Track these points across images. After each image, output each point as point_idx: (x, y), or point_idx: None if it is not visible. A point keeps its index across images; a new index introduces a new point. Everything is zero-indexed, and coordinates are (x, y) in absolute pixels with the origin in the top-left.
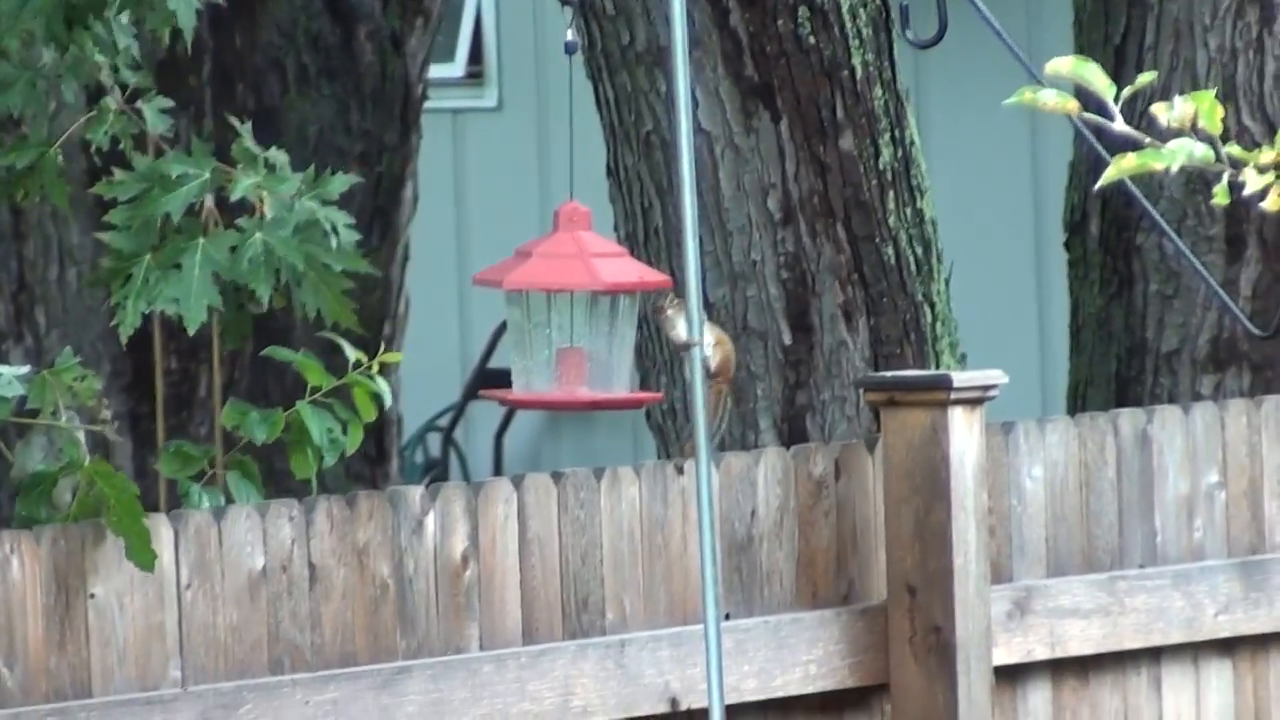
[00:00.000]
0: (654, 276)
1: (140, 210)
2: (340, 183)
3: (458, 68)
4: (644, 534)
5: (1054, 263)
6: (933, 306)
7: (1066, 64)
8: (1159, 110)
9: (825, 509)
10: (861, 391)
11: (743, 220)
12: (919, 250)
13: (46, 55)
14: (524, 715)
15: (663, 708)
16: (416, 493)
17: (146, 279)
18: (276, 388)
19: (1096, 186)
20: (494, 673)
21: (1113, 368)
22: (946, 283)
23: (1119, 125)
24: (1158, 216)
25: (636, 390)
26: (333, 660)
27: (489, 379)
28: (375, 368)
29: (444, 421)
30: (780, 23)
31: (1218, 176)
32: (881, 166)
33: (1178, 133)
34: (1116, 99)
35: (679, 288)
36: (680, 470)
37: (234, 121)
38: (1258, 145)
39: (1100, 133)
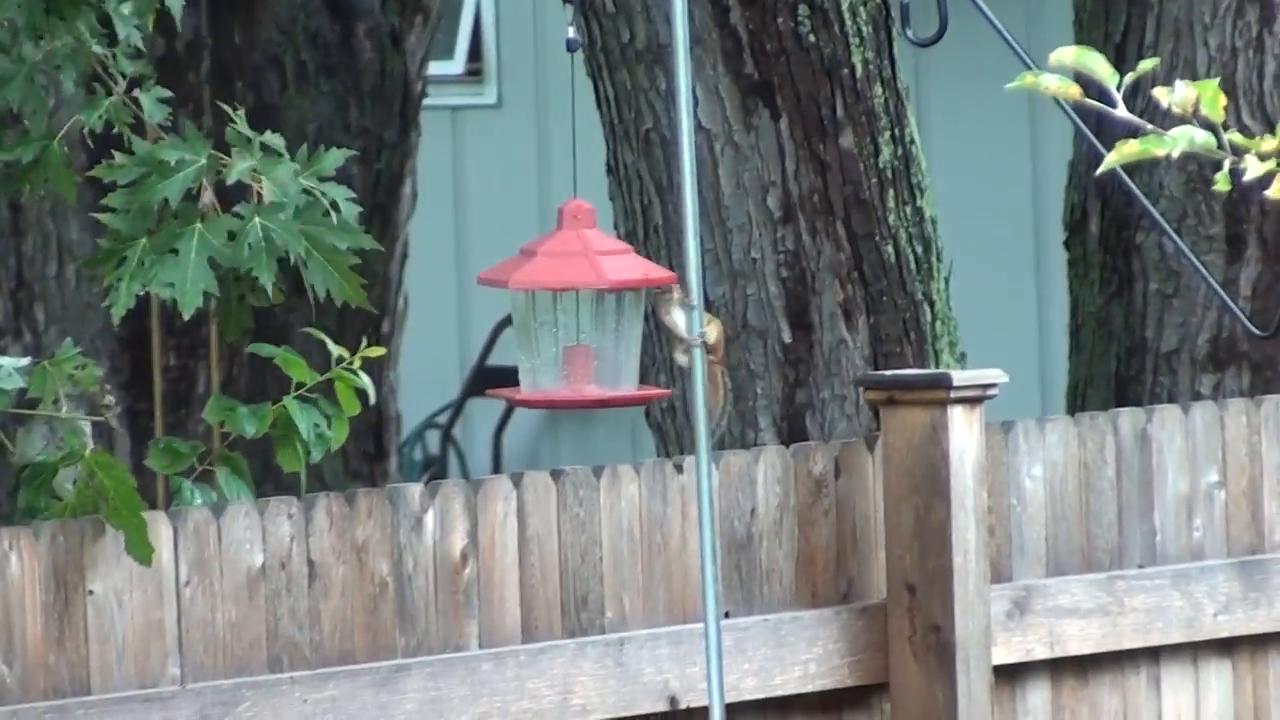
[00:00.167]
0: (659, 273)
1: (138, 195)
2: (334, 158)
3: (457, 65)
4: (643, 532)
5: (1054, 262)
6: (932, 305)
7: (1070, 53)
8: (1161, 94)
9: (825, 507)
10: (861, 390)
11: (742, 218)
12: (919, 249)
13: (41, 47)
14: (523, 713)
15: (662, 706)
16: (416, 490)
17: (142, 261)
18: (275, 385)
19: (1098, 171)
20: (493, 671)
21: (1112, 367)
22: (946, 281)
23: (1121, 112)
24: (1158, 215)
25: (643, 386)
26: (331, 658)
27: (488, 376)
28: (357, 362)
29: (443, 419)
30: (780, 20)
31: (1218, 173)
32: (881, 165)
33: (1179, 122)
34: (1119, 86)
35: (681, 285)
36: (680, 468)
37: (226, 109)
38: None
39: (1100, 123)
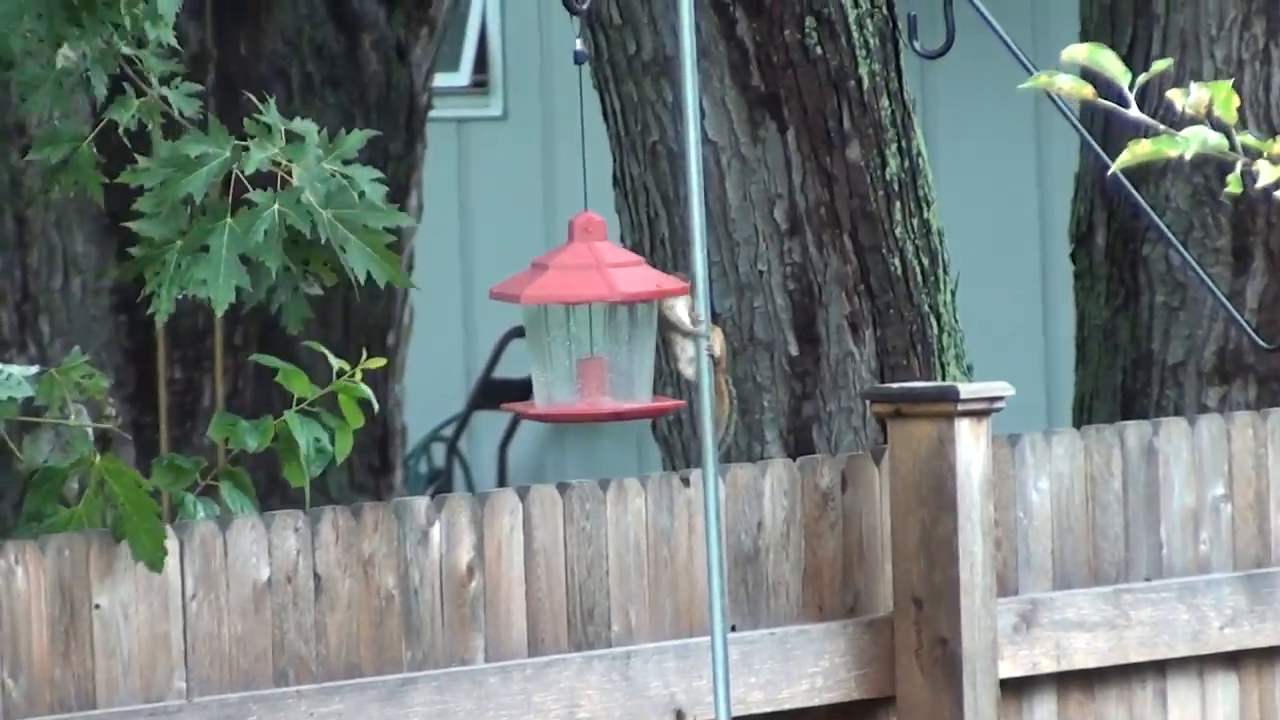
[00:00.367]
0: (671, 284)
1: (167, 194)
2: (356, 139)
3: (463, 77)
4: (650, 545)
5: (1060, 274)
6: (939, 318)
7: (1083, 50)
8: (1176, 96)
9: (831, 520)
10: (868, 403)
11: (749, 231)
12: (925, 261)
13: (72, 50)
14: None
15: (668, 719)
16: (422, 504)
17: (178, 264)
18: (281, 397)
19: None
20: (499, 684)
21: (1119, 380)
22: (953, 294)
23: (1133, 111)
24: (1164, 228)
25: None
26: (338, 671)
27: (493, 389)
28: (359, 374)
29: (448, 432)
30: (787, 33)
31: (1225, 185)
32: (888, 177)
33: (1193, 119)
34: (1131, 86)
35: (692, 295)
36: (686, 481)
37: (254, 99)
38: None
39: (1106, 133)
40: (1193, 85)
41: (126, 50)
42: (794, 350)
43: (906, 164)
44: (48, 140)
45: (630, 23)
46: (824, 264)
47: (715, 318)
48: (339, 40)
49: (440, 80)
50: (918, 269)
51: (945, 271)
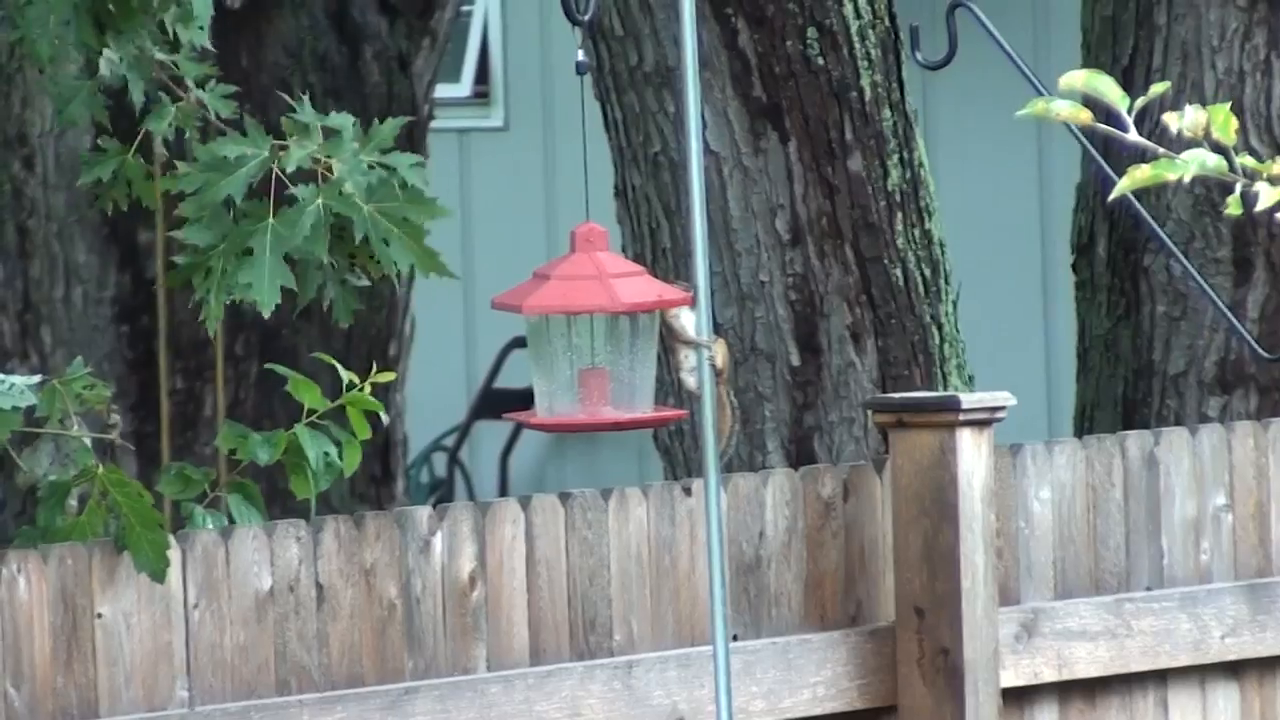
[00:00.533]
0: (673, 294)
1: (206, 198)
2: (391, 128)
3: (464, 88)
4: (652, 555)
5: (1061, 284)
6: (940, 328)
7: (1080, 77)
8: (1171, 119)
9: (833, 530)
10: (870, 413)
11: (751, 241)
12: (927, 272)
13: (112, 55)
14: None
15: None
16: (424, 513)
17: (224, 269)
18: (282, 407)
19: (1110, 197)
20: (501, 693)
21: (1120, 390)
22: (954, 304)
23: (1132, 136)
24: (1165, 238)
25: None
26: (340, 681)
27: (495, 399)
28: (368, 388)
29: (449, 441)
30: (789, 44)
31: (1226, 196)
32: (890, 188)
33: (1191, 141)
34: (1130, 110)
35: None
36: (688, 491)
37: (287, 98)
38: None
39: (1109, 145)
40: (1188, 108)
41: (161, 56)
42: (796, 360)
43: (908, 175)
44: (96, 162)
45: (632, 33)
46: (826, 274)
47: (717, 328)
48: (341, 51)
49: (442, 91)
50: (919, 279)
51: (947, 282)
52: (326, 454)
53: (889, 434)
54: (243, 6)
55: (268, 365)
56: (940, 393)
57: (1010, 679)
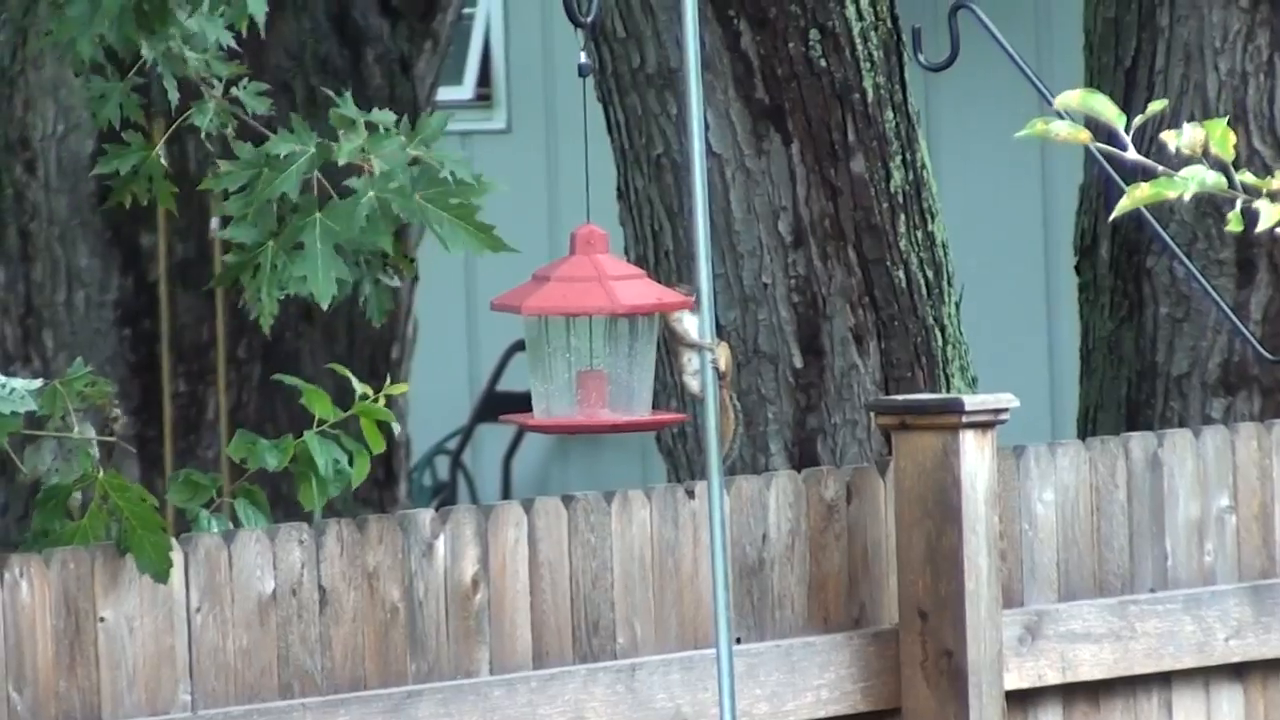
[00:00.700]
0: (672, 298)
1: (255, 196)
2: (439, 121)
3: (466, 90)
4: (655, 557)
5: (1064, 286)
6: (943, 330)
7: (1075, 96)
8: (1168, 138)
9: (837, 532)
10: (873, 415)
11: (753, 243)
12: (930, 273)
13: (147, 51)
14: None
15: None
16: (427, 516)
17: (274, 265)
18: (284, 411)
19: (1111, 217)
20: (504, 697)
21: (1123, 391)
22: (957, 306)
23: (1131, 154)
24: (1169, 240)
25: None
26: (343, 684)
27: (497, 402)
28: (381, 400)
29: (452, 444)
30: (791, 46)
31: (1230, 201)
32: (892, 189)
33: (1190, 158)
34: (1127, 128)
35: (695, 308)
36: (691, 494)
37: (329, 93)
38: (1268, 169)
39: (1112, 159)
40: (1186, 126)
41: (191, 54)
42: (798, 363)
43: (911, 176)
44: (116, 154)
45: (634, 35)
46: (828, 276)
47: (720, 331)
48: (343, 54)
49: (444, 94)
50: (922, 281)
51: (950, 284)
52: (336, 462)
53: (892, 436)
54: None
55: (275, 377)
56: (943, 395)
57: (1014, 681)
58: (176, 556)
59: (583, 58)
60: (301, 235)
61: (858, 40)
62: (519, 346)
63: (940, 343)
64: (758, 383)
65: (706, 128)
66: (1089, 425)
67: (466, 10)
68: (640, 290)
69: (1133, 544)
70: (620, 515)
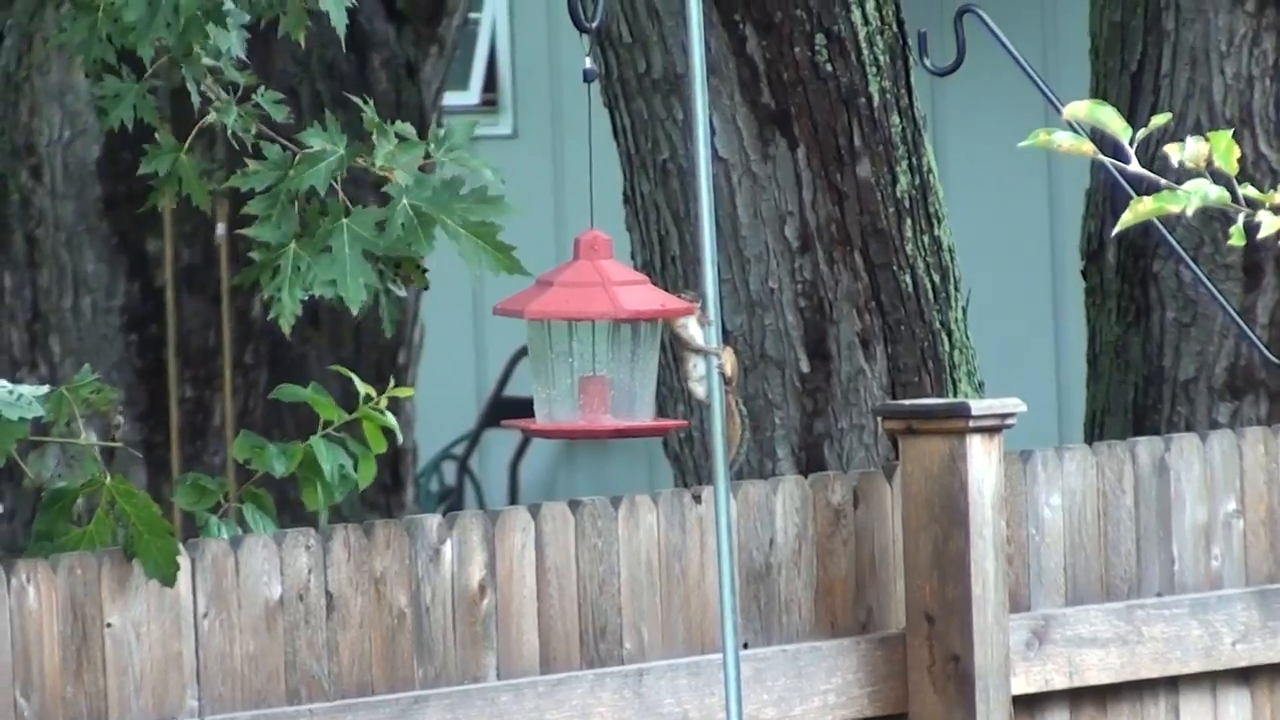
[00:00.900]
0: (675, 304)
1: (280, 189)
2: (465, 130)
3: (472, 95)
4: (662, 562)
5: (1071, 290)
6: (950, 334)
7: (1083, 108)
8: (1171, 150)
9: (844, 537)
10: (879, 420)
11: (760, 248)
12: (936, 278)
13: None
14: None
15: None
16: (434, 521)
17: (297, 266)
18: (291, 417)
19: (1114, 232)
20: (511, 702)
21: (1130, 396)
22: (964, 310)
23: (1134, 167)
24: (1175, 244)
25: (659, 417)
26: (350, 690)
27: (504, 407)
28: (384, 402)
29: (459, 450)
30: (797, 50)
31: (1236, 211)
32: (899, 194)
33: (1193, 171)
34: (1132, 141)
35: (700, 315)
36: (698, 499)
37: (357, 100)
38: (1274, 173)
39: (1118, 168)
40: (1189, 139)
41: (208, 61)
42: (805, 367)
43: (917, 181)
44: (155, 154)
45: (640, 40)
46: (835, 281)
47: (726, 336)
48: (349, 59)
49: (450, 98)
50: (929, 286)
51: (956, 288)
52: (342, 466)
53: (899, 441)
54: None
55: (281, 386)
56: (950, 399)
57: (1021, 686)
58: (183, 562)
59: (588, 63)
60: (329, 239)
61: (864, 45)
62: (526, 352)
63: (947, 347)
64: (764, 388)
65: (712, 133)
66: (1096, 430)
67: (472, 15)
68: (643, 296)
69: (1140, 548)
70: (627, 520)
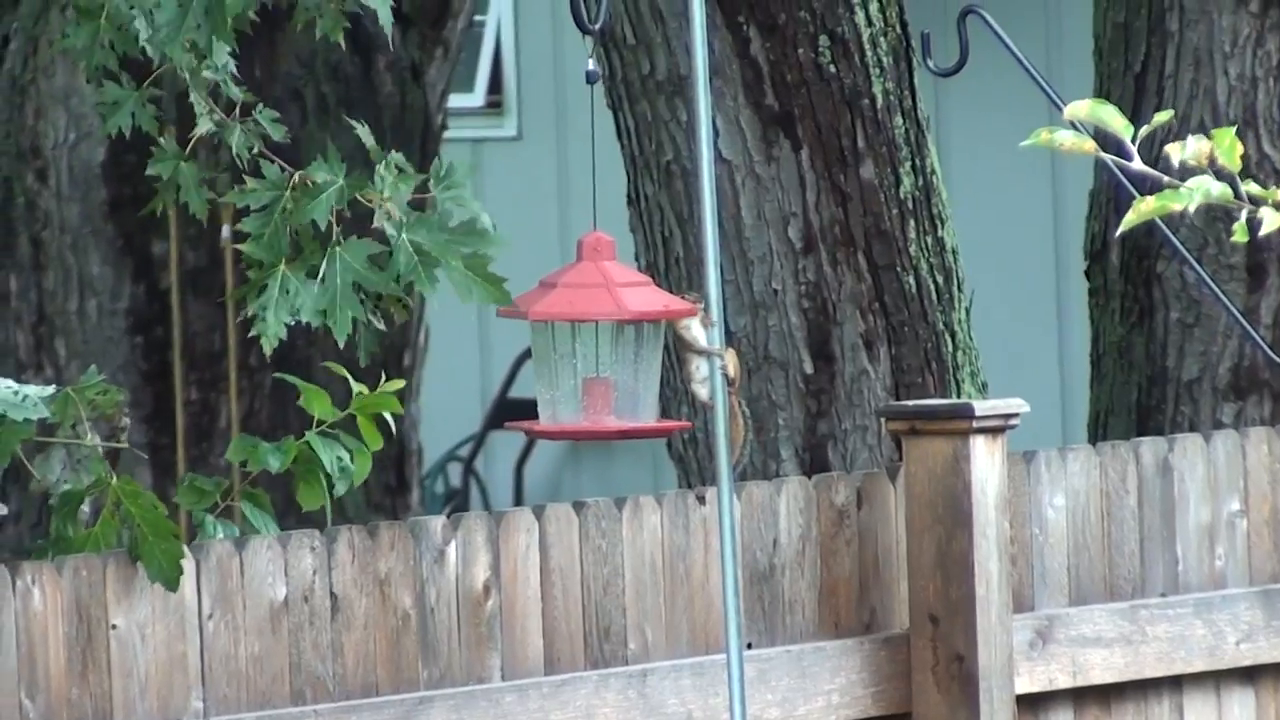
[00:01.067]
0: (679, 305)
1: (275, 209)
2: (463, 171)
3: (477, 97)
4: (666, 563)
5: (1074, 291)
6: (954, 335)
7: (1084, 107)
8: (1173, 150)
9: (847, 538)
10: (883, 420)
11: (763, 249)
12: (940, 279)
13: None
14: None
15: None
16: (438, 523)
17: (286, 288)
18: (297, 418)
19: (1118, 232)
20: (516, 703)
21: (1134, 396)
22: (967, 311)
23: (1137, 165)
24: (1179, 245)
25: (663, 419)
26: (354, 691)
27: (509, 409)
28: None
29: (464, 451)
30: (801, 51)
31: (1239, 209)
32: (902, 195)
33: (1196, 169)
34: (1134, 139)
35: (703, 316)
36: (702, 499)
37: (355, 124)
38: (1278, 173)
39: (1121, 167)
40: (1191, 138)
41: (208, 74)
42: (809, 368)
43: (920, 182)
44: (160, 158)
45: (644, 42)
46: (838, 282)
47: (730, 337)
48: (354, 62)
49: (455, 101)
50: (932, 287)
51: (960, 289)
52: (339, 459)
53: (902, 441)
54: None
55: (277, 375)
56: (953, 400)
57: (1025, 686)
58: (188, 564)
59: (591, 64)
60: (323, 266)
61: (867, 46)
62: (530, 354)
63: (950, 348)
64: (768, 389)
65: (716, 134)
66: (1100, 430)
67: (477, 17)
68: (647, 297)
69: (1143, 548)
70: (631, 521)
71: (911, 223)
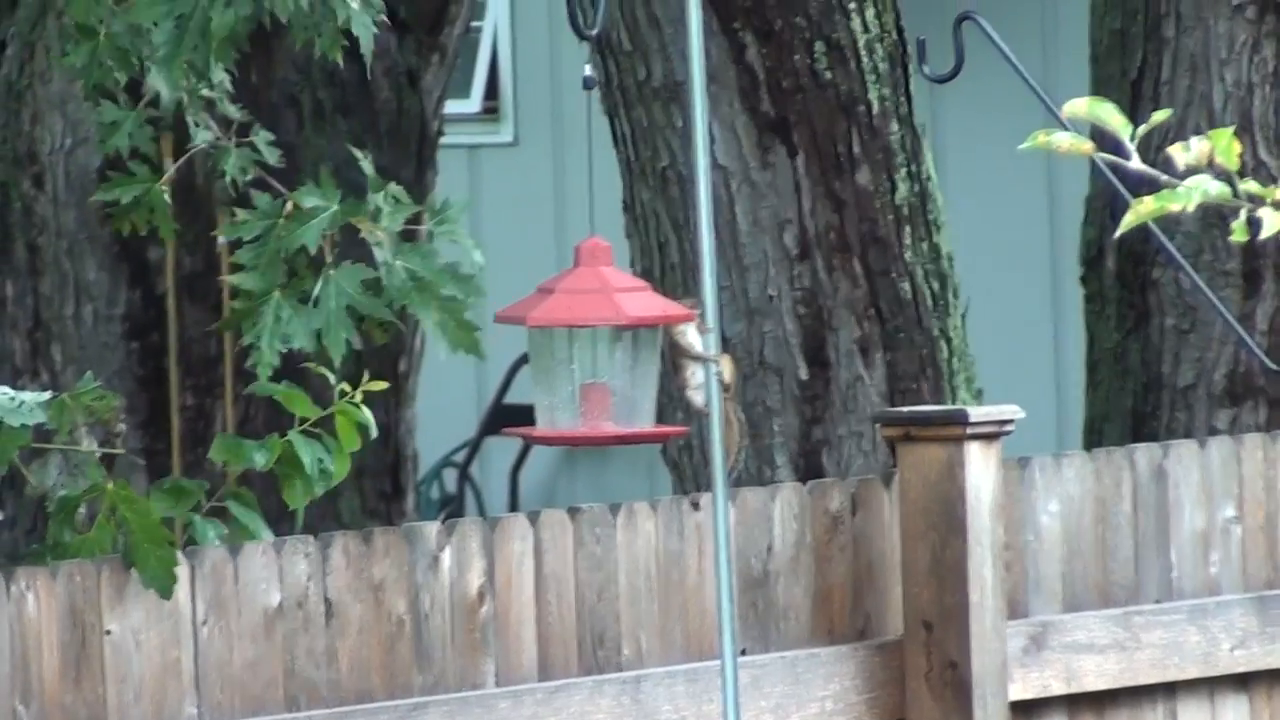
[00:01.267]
0: (676, 310)
1: (270, 244)
2: (458, 209)
3: (474, 103)
4: (660, 570)
5: (1070, 297)
6: (949, 341)
7: (1082, 105)
8: (1176, 151)
9: (841, 544)
10: (878, 427)
11: (759, 255)
12: (935, 285)
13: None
14: None
15: None
16: (433, 529)
17: (278, 316)
18: (291, 425)
19: (1116, 234)
20: (510, 709)
21: (1129, 403)
22: (963, 318)
23: (1135, 164)
24: (1174, 251)
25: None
26: (349, 697)
27: (505, 414)
28: (359, 396)
29: (460, 457)
30: (797, 58)
31: (1235, 211)
32: (898, 201)
33: (1194, 169)
34: (1132, 137)
35: (700, 321)
36: (696, 506)
37: (355, 151)
38: (1274, 179)
39: (1118, 169)
40: (1192, 140)
41: (206, 92)
42: (804, 374)
43: (916, 188)
44: (120, 182)
45: (640, 48)
46: (834, 288)
47: (725, 344)
48: (350, 67)
49: (451, 107)
50: (928, 293)
51: (955, 295)
52: (320, 460)
53: (897, 447)
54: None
55: (250, 388)
56: (948, 406)
57: (1018, 692)
58: (182, 570)
59: (587, 70)
60: (317, 289)
61: (863, 52)
62: (526, 360)
63: (946, 354)
64: (763, 395)
65: (712, 140)
66: (1095, 437)
67: (474, 23)
68: (645, 302)
69: (1138, 555)
70: (626, 527)
71: (907, 229)
